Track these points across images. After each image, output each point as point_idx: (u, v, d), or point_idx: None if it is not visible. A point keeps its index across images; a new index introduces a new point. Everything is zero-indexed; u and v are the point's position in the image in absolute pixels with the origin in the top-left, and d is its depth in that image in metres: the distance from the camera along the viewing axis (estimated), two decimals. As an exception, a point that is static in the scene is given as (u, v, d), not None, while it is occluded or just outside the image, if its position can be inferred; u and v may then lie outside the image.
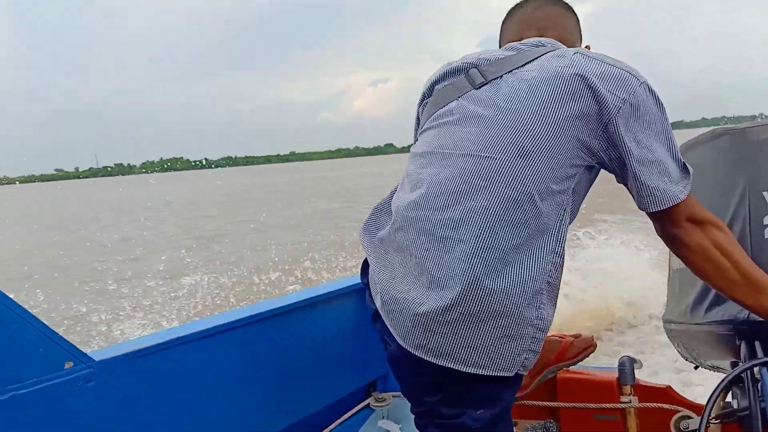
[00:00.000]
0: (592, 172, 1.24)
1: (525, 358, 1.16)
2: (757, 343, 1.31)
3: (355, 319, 2.03)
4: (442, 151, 1.24)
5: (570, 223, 1.22)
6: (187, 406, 1.47)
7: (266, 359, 1.70)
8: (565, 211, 1.18)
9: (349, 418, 2.04)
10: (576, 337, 1.80)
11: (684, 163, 1.21)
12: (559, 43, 1.32)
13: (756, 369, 1.24)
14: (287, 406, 1.77)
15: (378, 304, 1.25)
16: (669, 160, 1.19)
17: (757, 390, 1.23)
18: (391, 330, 1.21)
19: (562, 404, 1.85)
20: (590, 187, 1.27)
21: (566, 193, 1.18)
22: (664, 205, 1.18)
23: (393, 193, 1.36)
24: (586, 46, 1.40)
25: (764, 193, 1.37)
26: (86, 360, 1.25)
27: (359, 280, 2.02)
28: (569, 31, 1.41)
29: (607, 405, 1.76)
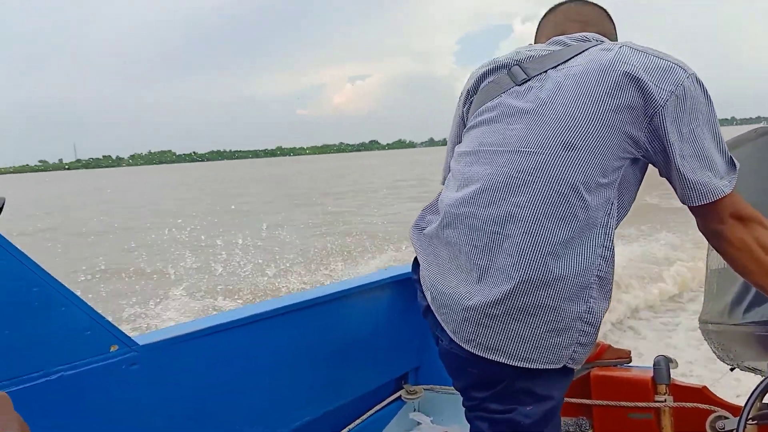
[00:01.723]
0: (638, 165, 1.22)
1: (573, 351, 1.16)
2: None
3: (388, 312, 2.05)
4: (487, 149, 1.24)
5: (620, 220, 1.21)
6: (226, 391, 1.51)
7: (302, 348, 1.73)
8: (612, 205, 1.17)
9: (380, 409, 2.06)
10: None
11: (731, 157, 1.19)
12: (604, 38, 1.32)
13: None
14: (319, 396, 1.80)
15: (428, 299, 1.27)
16: (715, 154, 1.17)
17: None
18: (443, 325, 1.22)
19: (596, 402, 1.83)
20: (639, 184, 1.25)
21: (613, 186, 1.17)
22: (708, 200, 1.16)
23: (440, 194, 1.37)
24: None
25: None
26: (131, 344, 1.29)
27: (393, 273, 2.04)
28: (610, 32, 1.40)
29: (642, 404, 1.74)
